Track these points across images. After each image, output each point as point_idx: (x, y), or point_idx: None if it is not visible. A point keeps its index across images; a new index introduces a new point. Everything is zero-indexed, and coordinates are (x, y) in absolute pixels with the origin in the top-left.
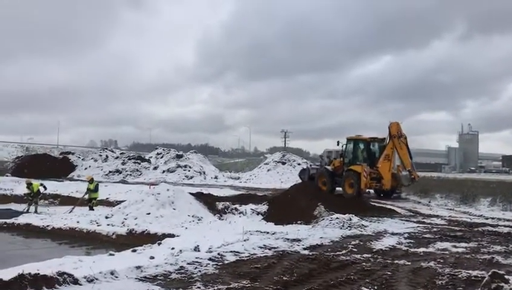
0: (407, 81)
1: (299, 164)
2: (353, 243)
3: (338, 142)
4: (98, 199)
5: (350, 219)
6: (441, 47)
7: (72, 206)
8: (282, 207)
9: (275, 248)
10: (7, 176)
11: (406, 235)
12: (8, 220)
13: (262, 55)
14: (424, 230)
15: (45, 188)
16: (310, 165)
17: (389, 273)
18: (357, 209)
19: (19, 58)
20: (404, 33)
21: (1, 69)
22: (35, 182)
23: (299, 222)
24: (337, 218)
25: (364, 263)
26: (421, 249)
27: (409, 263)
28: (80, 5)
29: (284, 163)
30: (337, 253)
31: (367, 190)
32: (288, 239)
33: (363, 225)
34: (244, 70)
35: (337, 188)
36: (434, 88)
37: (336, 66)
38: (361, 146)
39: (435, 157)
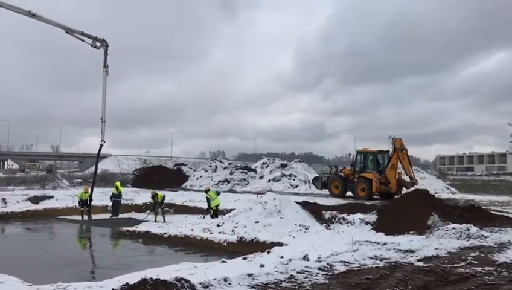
0: None
1: None
2: (472, 254)
3: (350, 154)
4: (216, 207)
5: (468, 229)
6: None
7: (203, 215)
8: (393, 216)
9: (386, 258)
10: (128, 187)
11: None
12: (129, 228)
13: (361, 59)
14: None
15: (163, 200)
16: (323, 173)
17: None
18: (474, 219)
19: (133, 77)
20: None
21: (120, 88)
22: (160, 193)
23: (411, 232)
24: (453, 228)
25: (486, 277)
26: None
27: None
28: (181, 23)
29: None
30: (455, 265)
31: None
32: (400, 250)
33: (483, 235)
34: (343, 76)
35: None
36: None
37: (442, 66)
38: (370, 157)
39: None
